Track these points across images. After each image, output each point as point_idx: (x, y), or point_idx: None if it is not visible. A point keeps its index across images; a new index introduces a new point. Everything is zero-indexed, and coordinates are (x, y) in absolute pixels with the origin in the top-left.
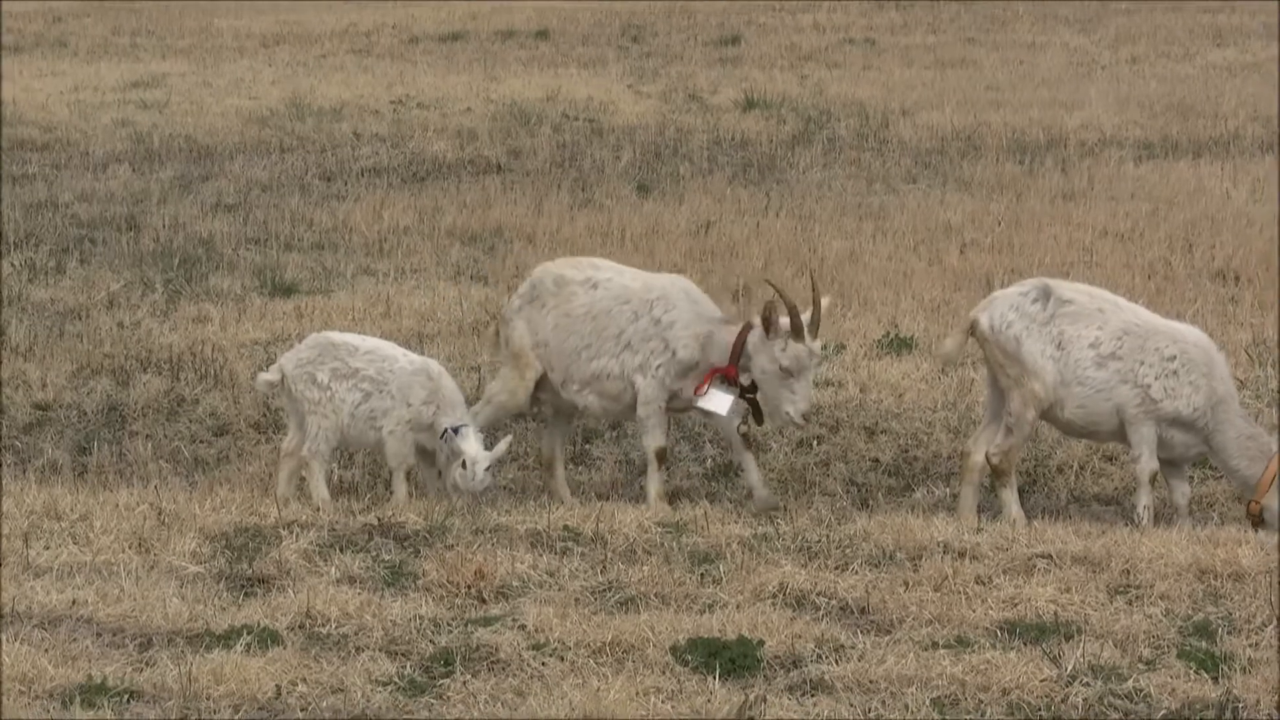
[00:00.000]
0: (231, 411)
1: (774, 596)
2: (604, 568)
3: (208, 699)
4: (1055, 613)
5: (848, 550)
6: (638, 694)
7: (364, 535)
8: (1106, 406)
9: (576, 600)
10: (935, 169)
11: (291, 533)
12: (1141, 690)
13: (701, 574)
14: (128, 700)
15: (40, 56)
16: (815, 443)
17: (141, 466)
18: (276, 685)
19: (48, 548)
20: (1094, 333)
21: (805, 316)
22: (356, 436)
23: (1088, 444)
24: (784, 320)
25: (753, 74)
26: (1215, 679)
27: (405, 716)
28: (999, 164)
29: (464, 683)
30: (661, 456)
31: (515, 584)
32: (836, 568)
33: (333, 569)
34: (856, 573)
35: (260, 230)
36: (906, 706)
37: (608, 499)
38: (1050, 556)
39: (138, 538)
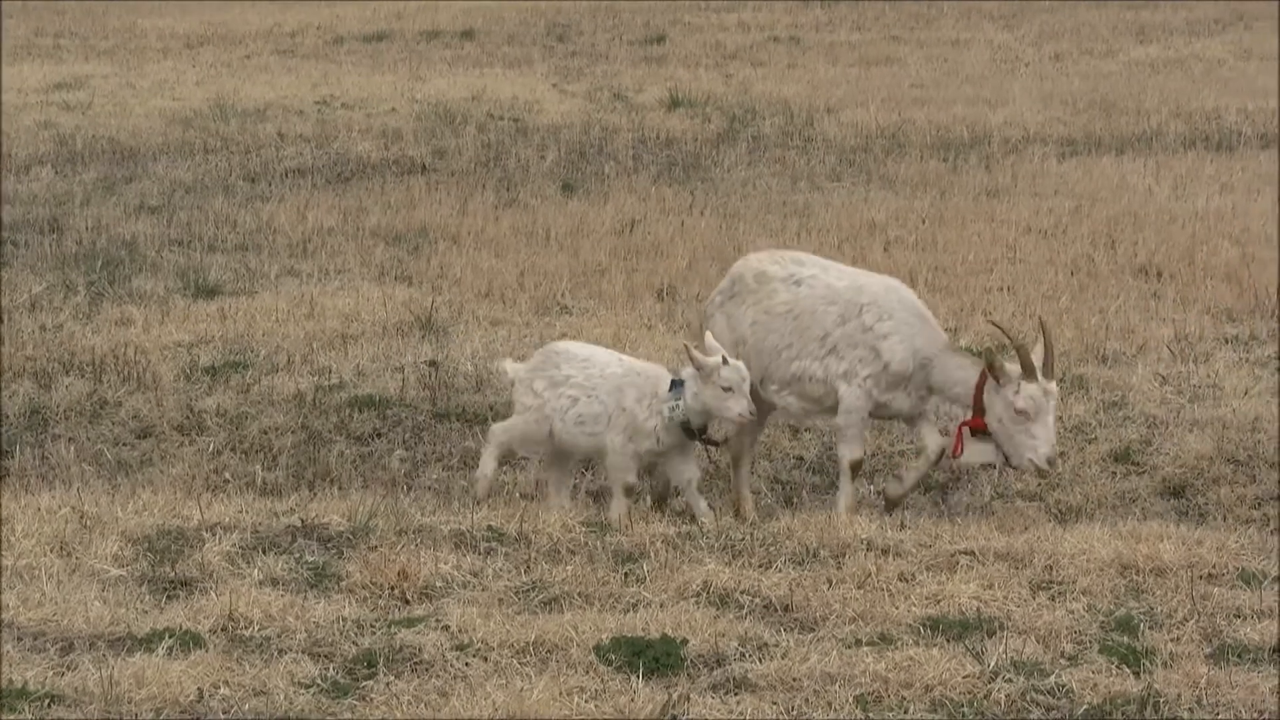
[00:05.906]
0: (154, 414)
1: (698, 595)
2: (528, 568)
3: (129, 703)
4: (978, 609)
5: (771, 548)
6: (561, 694)
7: (287, 537)
8: None
9: (500, 600)
10: (860, 167)
11: (214, 535)
12: (1064, 686)
13: (625, 573)
14: (48, 704)
15: None
16: None
17: (64, 469)
18: (199, 688)
19: None
20: None
21: (1036, 355)
22: (570, 442)
23: None
24: (1011, 366)
25: (678, 73)
26: (1137, 674)
27: (328, 718)
28: (923, 161)
29: (387, 684)
30: (857, 468)
31: (439, 584)
32: (760, 566)
33: (255, 571)
34: (780, 570)
35: (184, 232)
36: (830, 704)
37: (532, 499)
38: (973, 553)
39: (59, 541)
